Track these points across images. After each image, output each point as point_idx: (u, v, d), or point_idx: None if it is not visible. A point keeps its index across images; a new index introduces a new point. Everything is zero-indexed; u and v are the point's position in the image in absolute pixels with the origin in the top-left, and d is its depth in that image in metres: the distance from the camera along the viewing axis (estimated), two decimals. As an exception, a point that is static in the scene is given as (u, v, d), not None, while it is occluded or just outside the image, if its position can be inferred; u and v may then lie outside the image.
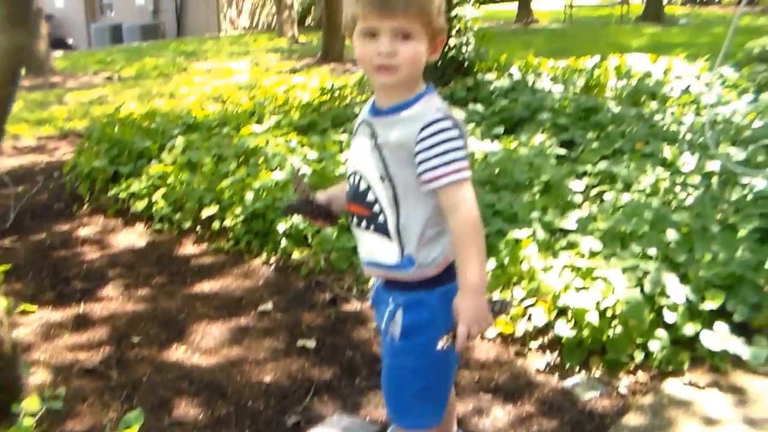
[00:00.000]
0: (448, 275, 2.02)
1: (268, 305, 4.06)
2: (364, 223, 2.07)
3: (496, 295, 1.88)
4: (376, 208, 2.01)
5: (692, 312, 3.33)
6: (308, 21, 23.11)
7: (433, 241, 2.01)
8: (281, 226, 4.60)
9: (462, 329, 1.91)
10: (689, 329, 3.25)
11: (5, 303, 3.35)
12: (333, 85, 8.08)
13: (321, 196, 2.21)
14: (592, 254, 3.75)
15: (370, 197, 2.02)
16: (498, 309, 1.99)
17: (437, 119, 1.91)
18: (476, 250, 1.92)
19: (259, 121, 6.44)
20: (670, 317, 3.29)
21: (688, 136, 6.08)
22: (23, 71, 9.14)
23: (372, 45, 1.91)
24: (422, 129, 1.90)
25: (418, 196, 1.96)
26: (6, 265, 3.40)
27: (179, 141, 6.08)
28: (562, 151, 5.79)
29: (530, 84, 7.97)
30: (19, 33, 2.35)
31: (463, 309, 1.92)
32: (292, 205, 2.25)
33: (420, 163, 1.91)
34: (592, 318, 3.28)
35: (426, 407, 2.16)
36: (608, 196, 4.71)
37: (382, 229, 2.02)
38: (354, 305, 4.01)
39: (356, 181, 2.05)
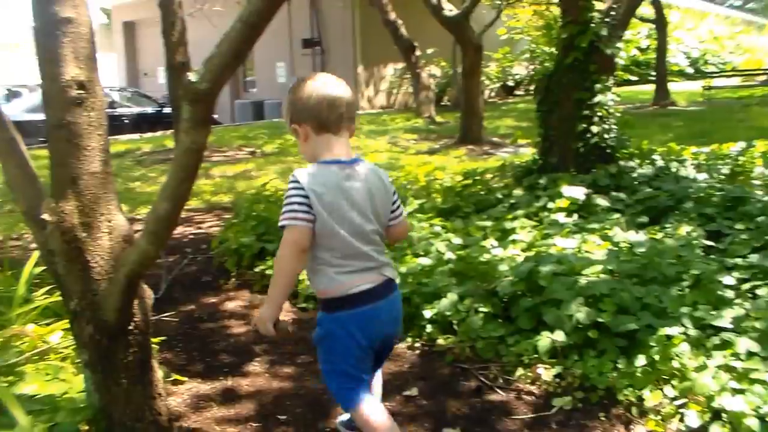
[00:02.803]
0: (341, 304, 2.86)
1: (413, 390, 4.08)
2: None
3: None
4: None
5: None
6: (444, 101, 23.37)
7: (316, 271, 2.89)
8: (427, 312, 4.65)
9: (252, 322, 2.94)
10: None
11: (162, 373, 3.50)
12: (476, 170, 8.15)
13: None
14: (750, 355, 3.64)
15: None
16: (279, 327, 2.85)
17: (289, 180, 2.84)
18: (275, 276, 2.83)
19: (403, 204, 6.55)
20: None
21: None
22: (173, 145, 9.62)
23: None
24: None
25: None
26: (160, 338, 3.56)
27: (324, 220, 6.21)
28: (709, 243, 5.67)
29: (674, 171, 7.85)
30: (201, 133, 2.50)
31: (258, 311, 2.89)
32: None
33: None
34: (752, 424, 3.17)
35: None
36: (762, 292, 4.57)
37: None
38: (500, 396, 3.97)
39: None
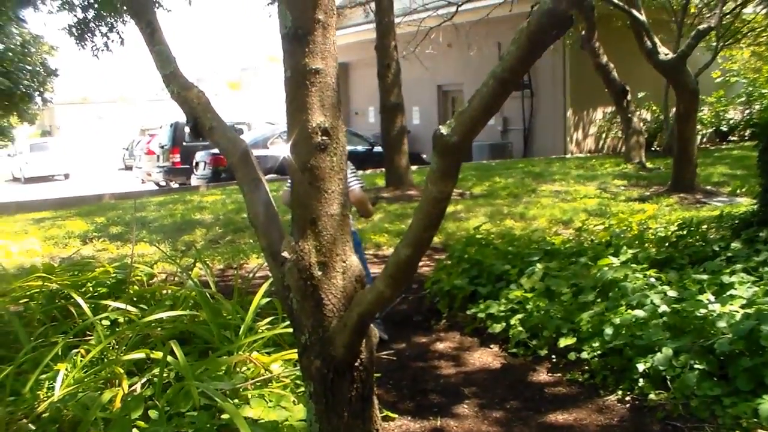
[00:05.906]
0: None
1: (624, 445, 4.05)
2: None
3: None
4: None
5: None
6: (654, 146, 22.79)
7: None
8: (640, 365, 4.59)
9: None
10: None
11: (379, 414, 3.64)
12: (692, 220, 7.93)
13: None
14: None
15: None
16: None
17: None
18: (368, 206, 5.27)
19: (615, 253, 6.48)
20: None
21: None
22: (384, 183, 9.94)
23: None
24: None
25: None
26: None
27: (538, 268, 6.26)
28: None
29: None
30: (448, 184, 2.63)
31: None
32: None
33: None
34: None
35: None
36: None
37: None
38: (715, 457, 3.88)
39: None
